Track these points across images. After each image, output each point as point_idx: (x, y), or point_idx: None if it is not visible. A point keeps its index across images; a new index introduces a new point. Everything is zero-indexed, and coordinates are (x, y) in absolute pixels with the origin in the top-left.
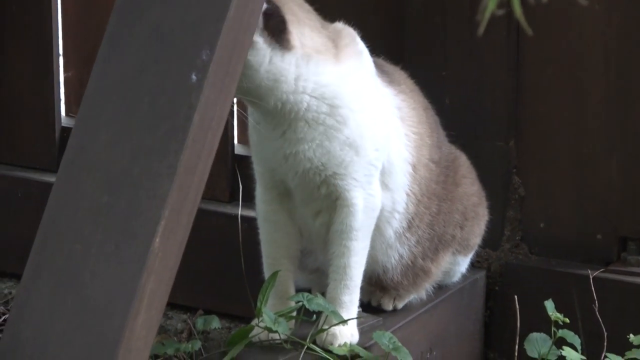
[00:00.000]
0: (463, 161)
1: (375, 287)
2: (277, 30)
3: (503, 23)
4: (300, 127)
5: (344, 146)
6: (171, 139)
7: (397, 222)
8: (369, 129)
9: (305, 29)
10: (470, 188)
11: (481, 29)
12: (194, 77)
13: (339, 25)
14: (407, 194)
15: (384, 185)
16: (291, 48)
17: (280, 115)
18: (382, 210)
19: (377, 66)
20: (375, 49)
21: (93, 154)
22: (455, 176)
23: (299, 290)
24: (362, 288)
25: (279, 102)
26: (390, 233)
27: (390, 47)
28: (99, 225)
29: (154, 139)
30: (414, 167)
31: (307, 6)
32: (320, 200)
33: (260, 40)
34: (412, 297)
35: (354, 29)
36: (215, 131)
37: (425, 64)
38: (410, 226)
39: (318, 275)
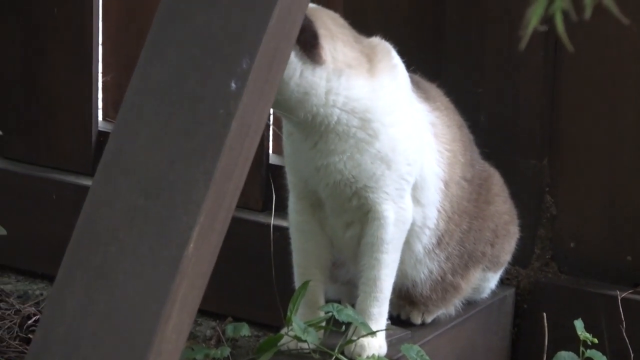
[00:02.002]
0: (496, 179)
1: (405, 301)
2: (309, 44)
3: (541, 41)
4: (331, 139)
5: (375, 159)
6: (209, 145)
7: (426, 238)
8: (401, 143)
9: (338, 43)
10: (502, 206)
11: (523, 44)
12: (233, 84)
13: (375, 40)
14: (438, 210)
15: (416, 200)
16: (322, 62)
17: (311, 127)
18: (412, 225)
19: (414, 82)
20: (413, 66)
21: (131, 157)
22: (488, 194)
23: (328, 301)
24: (391, 301)
25: (308, 114)
26: (419, 248)
27: (427, 64)
28: (134, 228)
29: (191, 145)
30: (446, 184)
31: (341, 20)
32: (351, 212)
33: (291, 54)
34: (440, 312)
35: (391, 45)
36: (253, 139)
37: (462, 81)
38: (439, 242)
39: (349, 287)
